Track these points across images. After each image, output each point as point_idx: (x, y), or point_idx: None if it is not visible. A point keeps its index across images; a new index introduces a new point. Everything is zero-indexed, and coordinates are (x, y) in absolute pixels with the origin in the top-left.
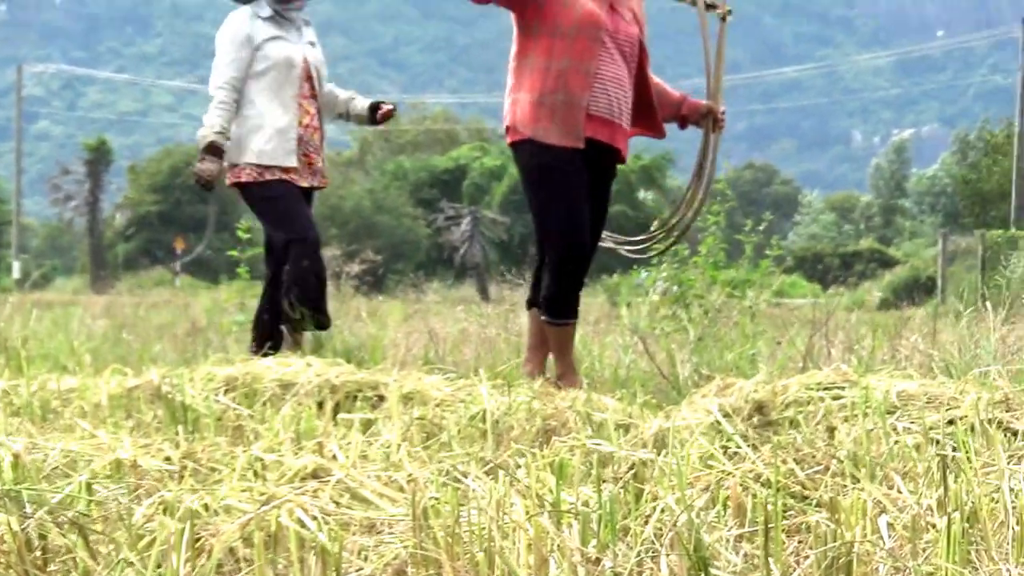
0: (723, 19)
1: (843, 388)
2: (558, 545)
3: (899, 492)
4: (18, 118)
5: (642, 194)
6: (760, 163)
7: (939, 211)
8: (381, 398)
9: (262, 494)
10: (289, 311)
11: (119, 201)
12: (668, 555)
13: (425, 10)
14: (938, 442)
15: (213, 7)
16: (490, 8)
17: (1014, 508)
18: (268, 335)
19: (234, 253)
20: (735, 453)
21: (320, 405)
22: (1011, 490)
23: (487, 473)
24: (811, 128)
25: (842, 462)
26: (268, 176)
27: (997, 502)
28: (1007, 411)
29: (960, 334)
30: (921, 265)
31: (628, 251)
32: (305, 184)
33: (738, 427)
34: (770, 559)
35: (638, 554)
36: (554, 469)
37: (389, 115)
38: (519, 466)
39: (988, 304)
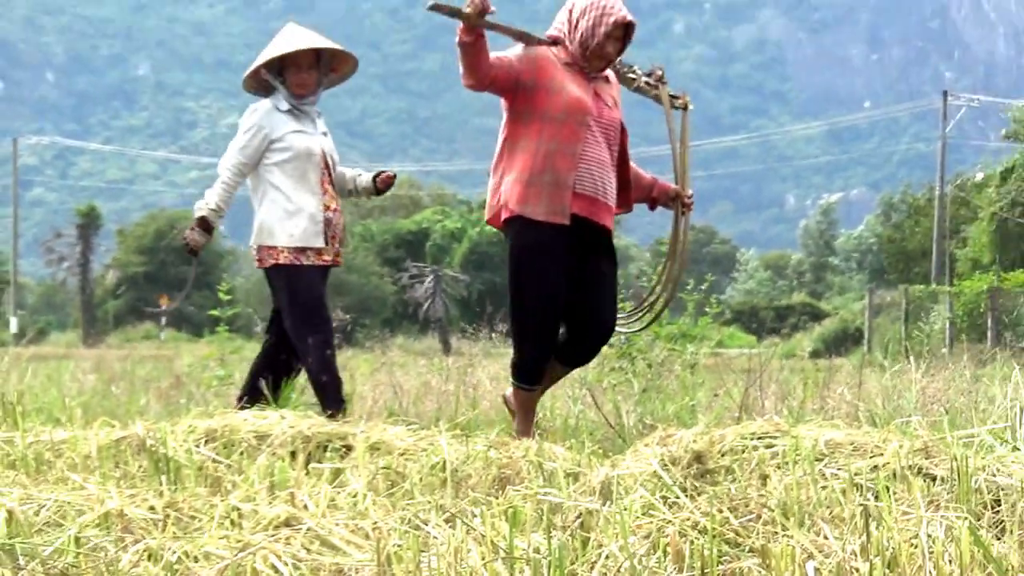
0: (684, 110)
1: (775, 437)
2: None
3: (825, 538)
4: (15, 186)
5: None
6: (700, 225)
7: (866, 268)
8: (349, 448)
9: (239, 541)
10: (321, 394)
11: (108, 262)
12: None
13: (389, 86)
14: (863, 488)
15: (193, 84)
16: (450, 83)
17: (931, 553)
18: (257, 395)
19: (215, 313)
20: (675, 502)
21: (293, 455)
22: (928, 536)
23: (446, 521)
24: (747, 192)
25: (773, 511)
26: (304, 260)
27: (916, 547)
28: (927, 458)
29: (884, 385)
30: (849, 317)
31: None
32: (332, 261)
33: (677, 477)
34: None
35: None
36: (508, 517)
37: (389, 181)
38: (475, 515)
39: (911, 356)
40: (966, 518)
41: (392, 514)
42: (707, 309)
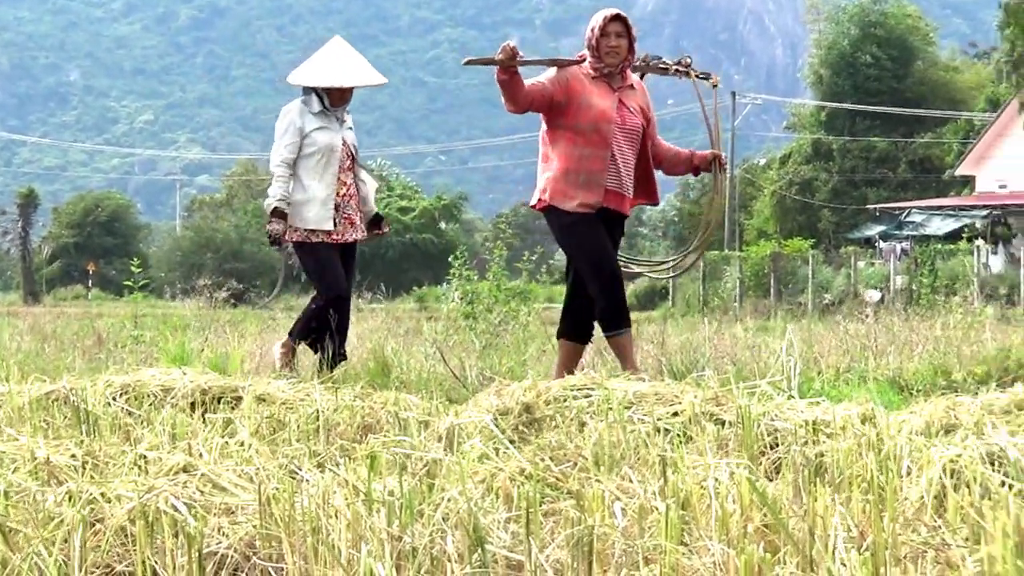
0: (714, 87)
1: (592, 389)
2: (370, 526)
3: (631, 482)
4: None
5: (444, 225)
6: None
7: (670, 236)
8: (239, 399)
9: (144, 485)
10: (297, 335)
11: (44, 235)
12: (453, 534)
13: (277, 88)
14: (664, 431)
15: (115, 87)
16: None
17: (717, 495)
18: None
19: (129, 283)
20: (506, 451)
21: (193, 406)
22: (716, 480)
23: (318, 466)
24: None
25: (586, 459)
26: (314, 239)
27: (705, 490)
28: (717, 406)
29: (683, 341)
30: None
31: (652, 274)
32: (350, 239)
33: (510, 425)
34: (531, 537)
35: (430, 533)
36: (368, 463)
37: (379, 237)
38: (340, 463)
39: (706, 312)
40: (747, 465)
41: (272, 460)
42: (542, 275)
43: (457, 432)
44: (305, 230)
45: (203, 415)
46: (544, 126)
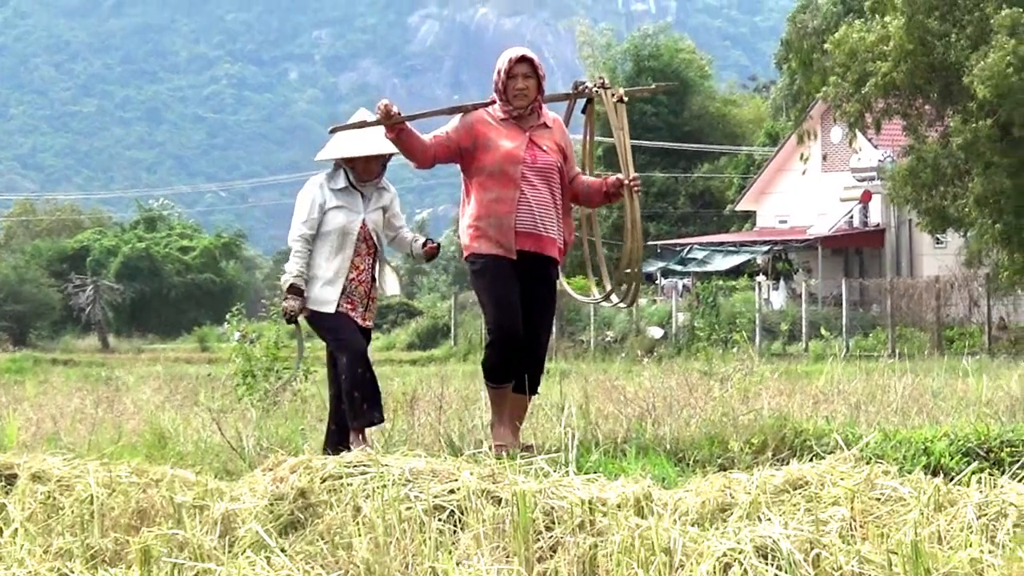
0: (621, 101)
1: (369, 467)
2: None
3: None
4: None
5: (225, 264)
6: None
7: (450, 271)
8: (15, 476)
9: None
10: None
11: None
12: None
13: (55, 125)
14: (442, 507)
15: None
16: (105, 123)
17: None
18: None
19: None
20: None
21: None
22: None
23: (91, 563)
24: None
25: (359, 567)
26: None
27: None
28: (494, 483)
29: (459, 408)
30: (439, 314)
31: (599, 303)
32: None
33: (284, 512)
34: None
35: None
36: (140, 560)
37: (432, 252)
38: (111, 563)
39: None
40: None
41: (45, 560)
42: None
43: (232, 519)
44: (308, 309)
45: None
46: (461, 173)
